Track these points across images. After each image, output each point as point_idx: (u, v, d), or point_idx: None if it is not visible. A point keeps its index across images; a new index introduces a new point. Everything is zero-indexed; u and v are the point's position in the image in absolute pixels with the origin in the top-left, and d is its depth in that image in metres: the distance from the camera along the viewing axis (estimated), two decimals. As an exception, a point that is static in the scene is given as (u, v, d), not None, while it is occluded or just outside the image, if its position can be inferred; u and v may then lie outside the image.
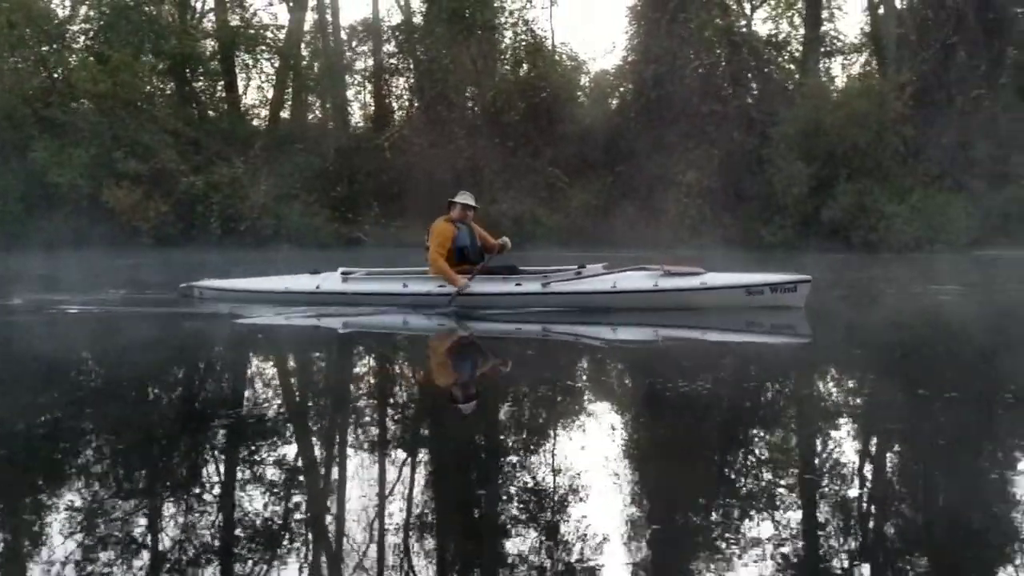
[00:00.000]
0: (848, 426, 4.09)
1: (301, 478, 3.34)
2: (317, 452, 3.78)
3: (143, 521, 2.83)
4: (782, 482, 3.24)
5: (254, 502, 2.94)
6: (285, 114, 28.39)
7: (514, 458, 3.55)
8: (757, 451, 3.76)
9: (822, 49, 26.89)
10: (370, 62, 28.00)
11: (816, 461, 3.55)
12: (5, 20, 23.51)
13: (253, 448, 3.70)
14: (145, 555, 2.56)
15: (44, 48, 24.94)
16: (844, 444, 3.81)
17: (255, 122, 28.39)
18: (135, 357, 6.29)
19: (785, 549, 2.56)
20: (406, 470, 3.38)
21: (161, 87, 26.81)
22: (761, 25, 27.48)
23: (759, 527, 2.74)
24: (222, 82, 27.41)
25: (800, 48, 26.79)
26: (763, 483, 3.24)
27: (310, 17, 28.35)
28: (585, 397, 4.96)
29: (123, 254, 19.09)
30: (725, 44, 25.26)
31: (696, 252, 17.45)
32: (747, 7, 27.32)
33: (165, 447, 3.83)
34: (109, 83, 23.30)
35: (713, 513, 2.92)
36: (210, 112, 27.34)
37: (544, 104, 25.74)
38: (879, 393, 5.07)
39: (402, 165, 24.80)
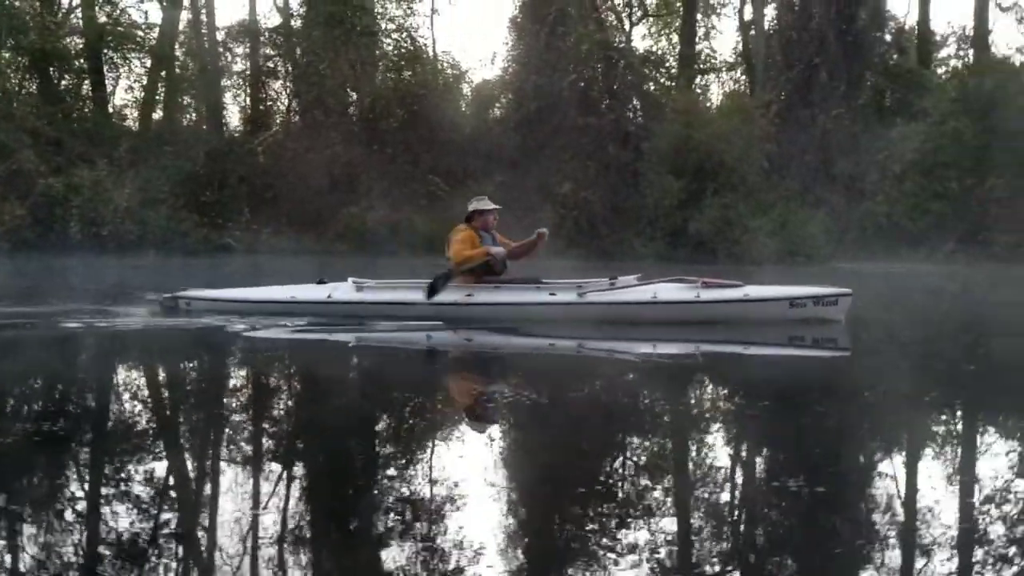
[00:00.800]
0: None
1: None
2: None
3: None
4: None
5: (127, 521, 2.70)
6: (158, 115, 27.50)
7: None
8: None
9: (697, 67, 27.68)
10: (247, 64, 27.39)
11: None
12: None
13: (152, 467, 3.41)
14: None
15: None
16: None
17: (127, 123, 27.41)
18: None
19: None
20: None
21: (22, 84, 25.55)
22: (640, 41, 28.15)
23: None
24: (88, 81, 26.33)
25: (675, 65, 27.55)
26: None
27: (184, 16, 27.53)
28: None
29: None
30: (603, 59, 25.71)
31: (573, 262, 17.60)
32: (626, 23, 27.93)
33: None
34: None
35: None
36: (75, 112, 26.19)
37: (424, 112, 25.59)
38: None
39: (276, 170, 24.30)
